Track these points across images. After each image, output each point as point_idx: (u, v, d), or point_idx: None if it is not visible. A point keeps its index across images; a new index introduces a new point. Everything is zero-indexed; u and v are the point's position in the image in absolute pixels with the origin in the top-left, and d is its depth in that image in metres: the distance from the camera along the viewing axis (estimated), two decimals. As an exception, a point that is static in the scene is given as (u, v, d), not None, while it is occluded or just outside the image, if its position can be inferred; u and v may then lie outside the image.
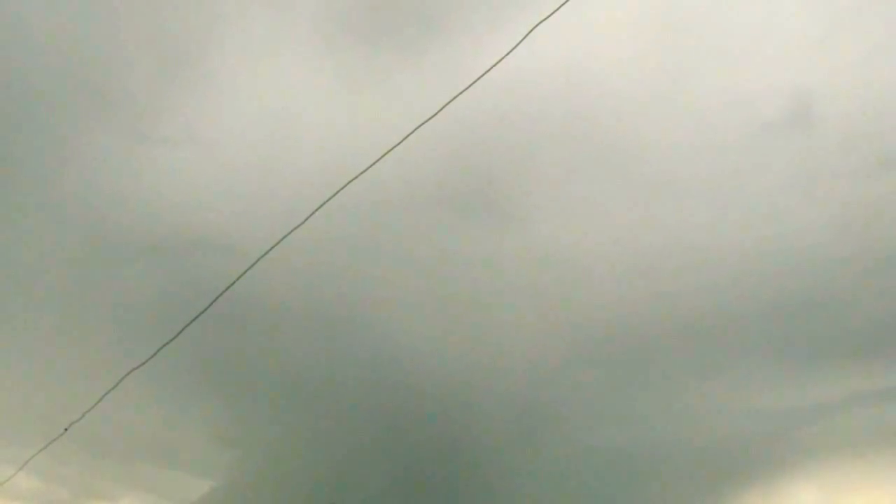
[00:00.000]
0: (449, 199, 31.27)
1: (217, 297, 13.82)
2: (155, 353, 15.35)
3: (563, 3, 10.76)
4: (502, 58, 10.89)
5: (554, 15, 10.92)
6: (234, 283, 13.62)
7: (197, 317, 14.32)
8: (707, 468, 33.72)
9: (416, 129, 10.94)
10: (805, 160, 29.85)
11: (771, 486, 33.78)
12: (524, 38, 11.04)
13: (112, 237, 30.43)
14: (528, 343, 33.00)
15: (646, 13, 28.15)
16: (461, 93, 10.85)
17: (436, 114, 10.90)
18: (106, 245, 30.61)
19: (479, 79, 10.85)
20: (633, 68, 29.05)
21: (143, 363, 15.71)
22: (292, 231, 12.75)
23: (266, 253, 13.16)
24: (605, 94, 29.28)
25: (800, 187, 30.21)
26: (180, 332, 14.72)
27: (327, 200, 12.16)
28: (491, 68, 10.84)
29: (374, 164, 11.26)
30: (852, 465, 33.04)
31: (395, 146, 11.11)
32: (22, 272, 30.15)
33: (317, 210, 12.11)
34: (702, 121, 29.89)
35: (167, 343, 15.02)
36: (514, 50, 11.12)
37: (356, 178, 11.54)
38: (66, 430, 18.01)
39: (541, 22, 10.97)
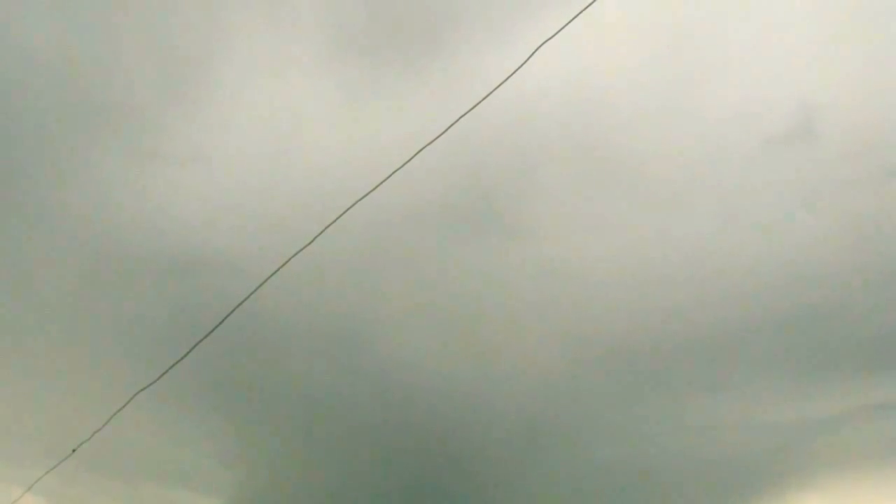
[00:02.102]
0: (454, 214, 31.29)
1: (226, 317, 13.81)
2: (163, 374, 15.33)
3: (569, 22, 10.79)
4: (511, 74, 10.91)
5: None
6: (243, 302, 13.61)
7: (205, 336, 14.30)
8: (714, 481, 33.64)
9: (428, 144, 10.96)
10: (810, 172, 29.86)
11: (779, 498, 33.69)
12: (531, 56, 11.06)
13: (119, 256, 30.44)
14: (534, 358, 32.96)
15: (649, 28, 28.25)
16: (472, 108, 10.87)
17: (446, 130, 10.92)
18: (113, 264, 30.61)
19: (488, 95, 10.87)
20: (638, 83, 29.12)
21: (152, 383, 15.67)
22: (302, 249, 12.75)
23: (276, 272, 13.16)
24: (610, 109, 29.35)
25: (805, 199, 30.22)
26: (188, 352, 14.70)
27: (337, 218, 12.16)
28: (500, 84, 10.86)
29: (386, 179, 11.27)
30: (860, 478, 32.96)
31: (406, 162, 11.13)
32: (29, 291, 30.17)
33: (326, 228, 12.12)
34: (706, 134, 29.93)
35: (175, 363, 15.00)
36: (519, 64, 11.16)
37: (367, 195, 11.55)
38: (74, 450, 17.97)
39: (548, 40, 10.99)
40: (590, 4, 10.58)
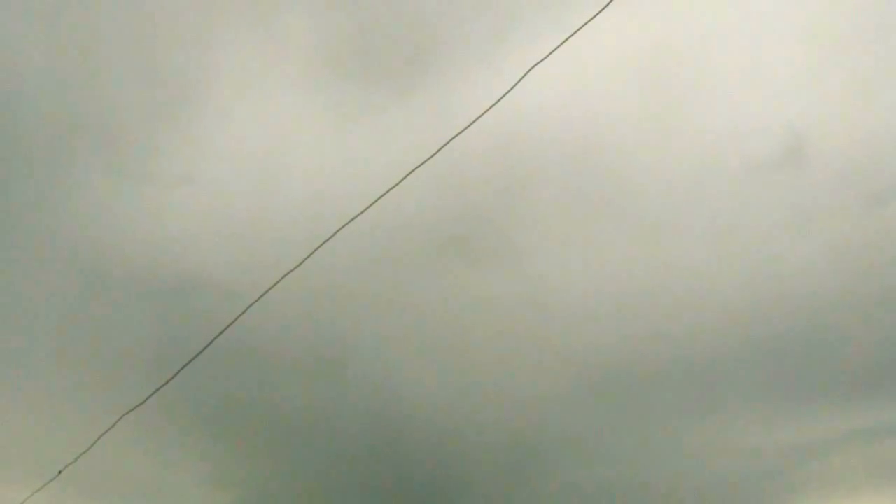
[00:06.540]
0: (441, 240, 31.27)
1: (214, 339, 13.78)
2: (150, 395, 15.28)
3: (560, 45, 10.86)
4: (500, 98, 10.96)
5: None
6: (231, 324, 13.59)
7: (193, 358, 14.27)
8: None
9: (416, 167, 11.00)
10: (798, 198, 29.98)
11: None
12: (521, 80, 11.11)
13: (107, 277, 30.34)
14: (521, 385, 32.85)
15: (638, 53, 28.40)
16: (461, 132, 10.91)
17: (435, 153, 10.96)
18: (101, 285, 30.51)
19: (477, 119, 10.91)
20: (626, 108, 29.24)
21: (139, 405, 15.63)
22: (289, 272, 12.76)
23: (262, 295, 13.17)
24: (598, 134, 29.45)
25: (792, 225, 30.31)
26: (176, 373, 14.66)
27: (325, 242, 12.18)
28: (490, 108, 10.91)
29: (374, 202, 11.29)
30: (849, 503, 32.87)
31: (394, 185, 11.16)
32: (15, 313, 30.03)
33: (315, 251, 12.13)
34: (694, 160, 30.05)
35: (163, 385, 14.95)
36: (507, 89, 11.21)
37: (355, 218, 11.57)
38: (60, 472, 17.89)
39: (537, 63, 11.05)
40: (579, 29, 10.67)
